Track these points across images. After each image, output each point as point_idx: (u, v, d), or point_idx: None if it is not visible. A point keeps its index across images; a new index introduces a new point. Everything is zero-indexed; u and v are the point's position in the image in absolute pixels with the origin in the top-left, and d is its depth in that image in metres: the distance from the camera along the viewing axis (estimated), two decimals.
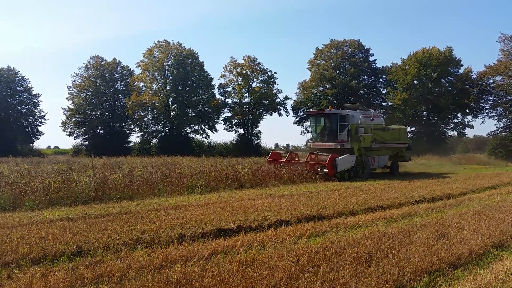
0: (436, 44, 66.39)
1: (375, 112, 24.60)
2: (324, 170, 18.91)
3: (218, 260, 5.69)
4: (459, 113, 52.31)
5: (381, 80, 58.24)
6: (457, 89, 49.83)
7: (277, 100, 57.90)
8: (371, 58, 57.18)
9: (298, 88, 59.45)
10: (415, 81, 52.49)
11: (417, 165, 31.05)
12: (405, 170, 26.19)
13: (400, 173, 24.53)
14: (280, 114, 58.05)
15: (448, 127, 53.96)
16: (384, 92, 57.43)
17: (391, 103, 54.34)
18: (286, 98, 58.75)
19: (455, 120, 53.38)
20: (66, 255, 5.85)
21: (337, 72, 56.01)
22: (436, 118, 52.97)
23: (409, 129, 57.00)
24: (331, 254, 5.92)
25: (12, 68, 59.80)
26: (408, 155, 26.07)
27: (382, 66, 57.60)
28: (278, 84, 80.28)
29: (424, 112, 54.50)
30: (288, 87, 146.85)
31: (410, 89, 51.44)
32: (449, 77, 51.97)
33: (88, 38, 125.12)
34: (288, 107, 58.80)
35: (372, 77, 57.72)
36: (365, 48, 57.00)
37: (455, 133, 54.68)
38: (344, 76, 55.15)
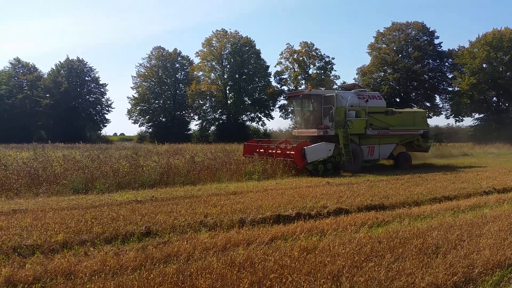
0: (508, 25, 61.32)
1: (373, 93, 20.44)
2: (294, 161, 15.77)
3: (279, 246, 5.75)
4: None
5: (447, 64, 55.04)
6: None
7: (335, 86, 56.72)
8: (436, 41, 54.16)
9: (357, 74, 57.87)
10: (484, 65, 49.05)
11: (486, 154, 29.13)
12: (448, 163, 22.36)
13: (453, 166, 19.99)
14: None
15: None
16: (450, 76, 54.30)
17: (458, 88, 51.33)
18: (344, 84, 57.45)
19: None
20: (136, 235, 6.21)
21: (400, 56, 53.73)
22: (507, 104, 49.23)
23: (477, 115, 53.86)
24: (395, 244, 5.77)
25: (81, 59, 63.63)
26: (426, 144, 21.33)
27: (448, 49, 54.41)
28: (335, 70, 78.52)
29: (494, 98, 50.86)
30: (346, 72, 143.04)
31: (478, 73, 48.16)
32: None
33: (151, 30, 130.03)
34: None
35: (437, 61, 54.65)
36: (430, 30, 54.03)
37: None
38: (407, 60, 52.78)
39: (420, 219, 7.78)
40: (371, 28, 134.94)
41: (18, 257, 5.16)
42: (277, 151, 16.79)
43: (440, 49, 54.26)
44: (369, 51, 56.65)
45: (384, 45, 55.27)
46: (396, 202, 9.33)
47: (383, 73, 55.19)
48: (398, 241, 5.96)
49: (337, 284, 4.35)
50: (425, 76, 53.63)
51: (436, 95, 55.62)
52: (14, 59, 63.51)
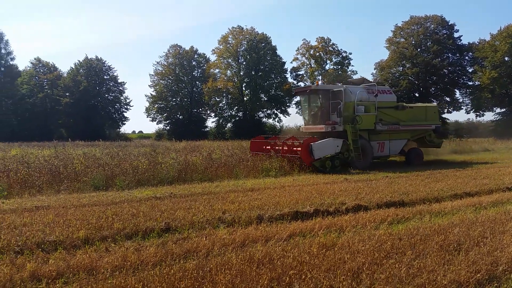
0: None
1: (382, 87, 20.01)
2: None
3: (298, 242, 5.73)
4: None
5: (467, 58, 53.94)
6: None
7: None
8: (455, 35, 53.12)
9: (375, 69, 57.32)
10: (506, 58, 47.79)
11: (508, 150, 28.42)
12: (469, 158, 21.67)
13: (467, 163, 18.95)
14: None
15: None
16: (470, 70, 53.13)
17: (479, 83, 50.25)
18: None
19: None
20: (156, 231, 6.27)
21: (418, 50, 52.86)
22: None
23: (498, 110, 52.57)
24: (416, 241, 5.69)
25: (99, 58, 64.57)
26: (439, 140, 20.59)
27: (469, 43, 53.36)
28: (353, 65, 77.93)
29: None
30: (364, 67, 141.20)
31: (500, 66, 47.02)
32: None
33: (168, 28, 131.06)
34: None
35: (457, 55, 53.59)
36: (449, 23, 53.01)
37: None
38: (426, 55, 51.89)
39: (441, 216, 7.65)
40: (389, 22, 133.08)
41: (42, 252, 5.27)
42: (284, 148, 16.44)
43: (460, 43, 53.20)
44: (387, 45, 55.94)
45: (402, 39, 54.45)
46: (416, 199, 9.20)
47: (401, 68, 54.42)
48: (419, 238, 5.88)
49: (357, 281, 4.31)
50: (445, 71, 52.65)
51: (456, 90, 54.61)
52: (35, 58, 64.99)
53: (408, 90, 52.62)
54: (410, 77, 52.91)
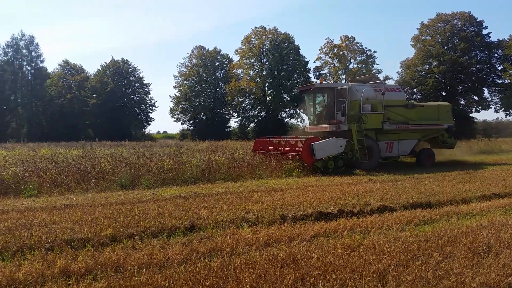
0: None
1: (391, 85, 19.09)
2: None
3: (321, 243, 5.70)
4: None
5: (496, 55, 52.35)
6: None
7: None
8: (484, 32, 51.63)
9: (400, 67, 56.35)
10: None
11: None
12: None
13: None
14: None
15: None
16: (500, 68, 51.49)
17: (509, 81, 48.59)
18: (387, 78, 55.99)
19: None
20: (181, 230, 6.36)
21: (445, 48, 51.63)
22: None
23: None
24: (443, 243, 5.58)
25: (125, 60, 65.89)
26: (452, 140, 19.70)
27: (498, 40, 51.74)
28: (377, 64, 76.58)
29: None
30: (389, 66, 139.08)
31: None
32: None
33: (192, 29, 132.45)
34: None
35: (486, 52, 52.06)
36: (477, 20, 51.56)
37: None
38: (453, 52, 50.62)
39: (469, 217, 7.47)
40: (414, 19, 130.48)
41: (71, 249, 5.41)
42: (286, 148, 15.96)
43: (488, 40, 51.66)
44: (413, 43, 54.92)
45: (428, 37, 53.31)
46: (444, 200, 9.01)
47: (427, 66, 53.27)
48: (446, 239, 5.75)
49: (383, 283, 4.25)
50: (473, 69, 51.26)
51: (484, 88, 53.08)
52: (63, 60, 66.88)
53: (434, 89, 51.46)
54: (436, 76, 51.73)
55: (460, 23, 51.68)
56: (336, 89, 17.22)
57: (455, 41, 51.65)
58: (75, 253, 5.26)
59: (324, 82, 17.82)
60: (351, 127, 16.05)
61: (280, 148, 16.38)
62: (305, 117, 57.13)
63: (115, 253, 5.20)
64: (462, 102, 53.63)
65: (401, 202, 8.55)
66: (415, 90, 53.55)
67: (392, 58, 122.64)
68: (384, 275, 4.43)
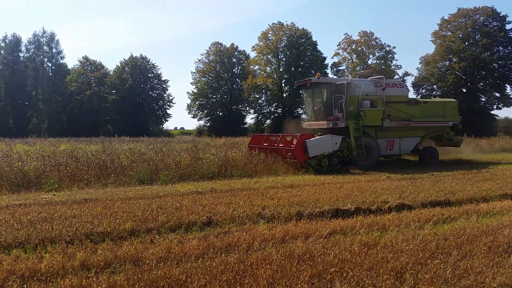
0: None
1: (393, 80, 18.16)
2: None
3: (338, 240, 5.68)
4: None
5: None
6: None
7: (396, 77, 54.65)
8: (507, 26, 50.19)
9: (420, 63, 55.39)
10: None
11: None
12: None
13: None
14: None
15: None
16: None
17: None
18: (406, 74, 55.25)
19: None
20: (198, 225, 6.41)
21: (466, 43, 50.49)
22: None
23: None
24: (462, 242, 5.49)
25: (144, 56, 66.54)
26: (458, 138, 19.00)
27: None
28: (397, 60, 75.74)
29: None
30: (408, 62, 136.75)
31: None
32: None
33: (209, 26, 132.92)
34: (409, 84, 55.11)
35: (509, 48, 50.71)
36: (501, 15, 50.21)
37: None
38: (474, 48, 49.48)
39: (489, 216, 7.34)
40: (435, 15, 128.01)
41: (90, 243, 5.52)
42: (280, 145, 15.49)
43: None
44: (433, 39, 53.87)
45: (449, 33, 52.24)
46: (463, 198, 8.86)
47: (448, 62, 52.24)
48: (466, 238, 5.67)
49: (401, 281, 4.22)
50: (495, 65, 50.01)
51: (506, 85, 51.72)
52: (83, 57, 67.92)
53: (454, 86, 50.48)
54: (457, 72, 50.71)
55: (482, 18, 50.47)
56: (334, 84, 16.58)
57: (476, 37, 50.48)
58: (94, 247, 5.36)
59: (321, 77, 17.18)
60: (348, 124, 15.50)
61: (275, 145, 15.82)
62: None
63: (133, 247, 5.29)
64: (483, 99, 52.45)
65: (420, 200, 8.45)
66: (435, 86, 52.66)
67: (411, 54, 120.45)
68: (402, 273, 4.40)
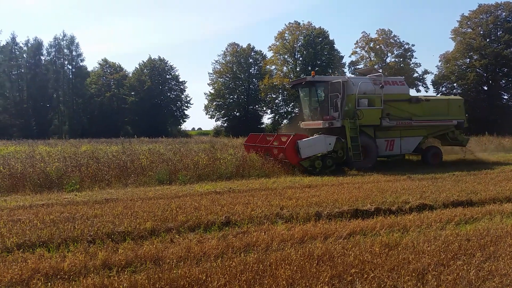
0: None
1: (392, 78, 17.49)
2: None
3: (358, 241, 5.62)
4: None
5: None
6: None
7: (415, 75, 53.88)
8: None
9: (439, 61, 54.30)
10: None
11: None
12: None
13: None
14: (418, 90, 53.92)
15: None
16: None
17: None
18: (426, 72, 54.34)
19: None
20: (217, 225, 6.44)
21: (487, 40, 49.35)
22: None
23: None
24: (486, 243, 5.37)
25: (162, 58, 67.24)
26: (464, 137, 18.13)
27: None
28: (416, 58, 74.25)
29: None
30: (428, 60, 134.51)
31: None
32: None
33: (226, 27, 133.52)
34: (428, 82, 54.22)
35: None
36: None
37: None
38: (496, 45, 48.31)
39: None
40: (454, 12, 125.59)
41: (112, 242, 5.59)
42: (273, 143, 15.15)
43: None
44: (453, 36, 52.82)
45: (469, 30, 51.13)
46: (486, 198, 8.67)
47: (468, 60, 51.16)
48: (489, 239, 5.55)
49: (423, 282, 4.15)
50: None
51: (382, 74, 50.20)
52: (102, 59, 69.08)
53: (475, 83, 49.42)
54: (478, 69, 49.63)
55: (504, 13, 49.24)
56: (330, 82, 15.96)
57: (498, 33, 49.28)
58: (115, 246, 5.43)
59: (316, 75, 16.69)
60: (344, 124, 14.95)
61: (270, 145, 15.35)
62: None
63: (154, 246, 5.34)
64: (506, 97, 51.17)
65: (441, 200, 8.30)
66: (455, 84, 51.67)
67: (431, 51, 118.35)
68: (423, 275, 4.33)
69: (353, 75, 16.94)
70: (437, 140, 18.29)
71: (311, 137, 14.28)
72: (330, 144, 14.17)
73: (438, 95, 22.55)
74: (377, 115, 15.58)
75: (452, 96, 21.84)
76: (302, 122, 17.73)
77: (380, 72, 17.52)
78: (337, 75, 16.49)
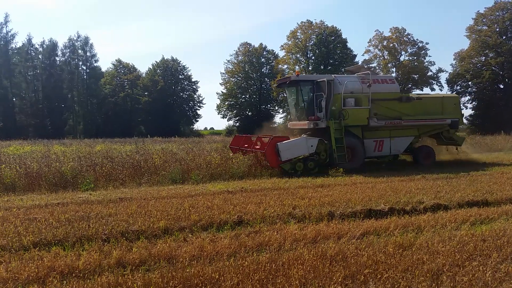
0: None
1: (381, 76, 16.86)
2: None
3: (372, 241, 5.59)
4: None
5: None
6: None
7: (429, 73, 53.12)
8: None
9: (454, 59, 53.42)
10: None
11: None
12: None
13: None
14: (432, 89, 53.12)
15: None
16: None
17: None
18: (440, 70, 53.51)
19: None
20: (229, 224, 6.47)
21: (503, 38, 48.47)
22: None
23: None
24: (502, 243, 5.28)
25: (175, 58, 67.71)
26: (459, 137, 17.46)
27: None
28: (430, 56, 73.28)
29: None
30: (442, 58, 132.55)
31: None
32: None
33: (238, 26, 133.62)
34: (443, 80, 53.44)
35: None
36: None
37: None
38: None
39: None
40: (469, 9, 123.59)
41: (126, 241, 5.65)
42: (255, 147, 14.70)
43: None
44: (468, 34, 51.98)
45: (485, 27, 50.26)
46: (502, 198, 8.52)
47: (484, 58, 50.31)
48: (506, 239, 5.45)
49: (437, 283, 4.10)
50: None
51: (369, 72, 49.05)
52: (116, 60, 69.72)
53: (491, 82, 48.59)
54: (493, 67, 48.78)
55: None
56: (315, 81, 15.40)
57: None
58: (129, 245, 5.49)
59: (301, 74, 16.18)
60: (329, 124, 14.47)
61: (255, 146, 14.92)
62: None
63: (167, 245, 5.38)
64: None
65: (456, 200, 8.19)
66: (470, 83, 50.91)
67: (445, 50, 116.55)
68: (438, 275, 4.28)
69: (340, 74, 16.38)
70: (432, 140, 17.76)
71: (291, 139, 14.01)
72: (312, 146, 13.79)
73: (432, 93, 21.63)
74: (364, 115, 15.02)
75: (447, 94, 20.95)
76: (290, 122, 17.42)
77: (368, 70, 16.99)
78: (326, 74, 15.61)
